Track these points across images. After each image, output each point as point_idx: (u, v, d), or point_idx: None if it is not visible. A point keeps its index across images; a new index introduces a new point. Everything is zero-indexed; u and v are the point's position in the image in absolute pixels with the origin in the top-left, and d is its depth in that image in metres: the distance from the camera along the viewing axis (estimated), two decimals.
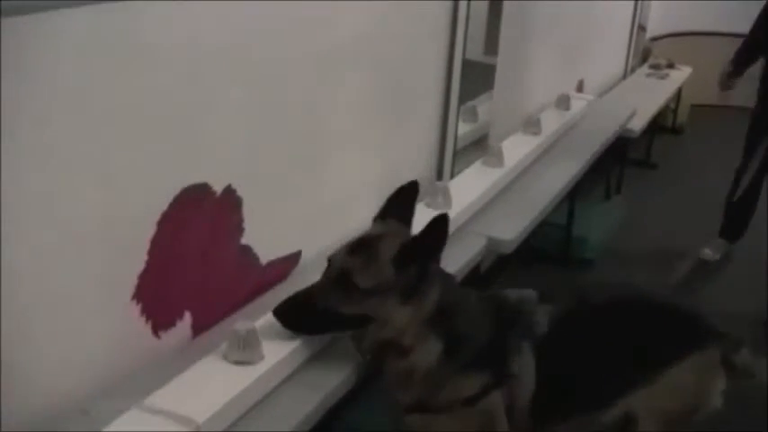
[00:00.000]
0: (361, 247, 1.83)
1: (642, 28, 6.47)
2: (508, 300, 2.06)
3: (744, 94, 4.64)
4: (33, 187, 1.46)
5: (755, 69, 4.36)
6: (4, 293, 1.43)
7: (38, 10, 1.38)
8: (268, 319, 1.87)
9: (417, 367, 1.84)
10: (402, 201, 2.01)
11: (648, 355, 2.04)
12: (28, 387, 1.54)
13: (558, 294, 2.15)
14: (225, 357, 1.72)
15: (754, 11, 4.56)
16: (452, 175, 3.10)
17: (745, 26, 7.17)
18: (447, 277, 1.95)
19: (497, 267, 3.64)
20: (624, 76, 6.21)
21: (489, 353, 1.90)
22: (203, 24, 1.78)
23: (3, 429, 1.48)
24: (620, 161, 5.29)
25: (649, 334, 2.06)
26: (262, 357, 1.72)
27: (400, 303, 1.79)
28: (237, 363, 1.70)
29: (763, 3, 4.42)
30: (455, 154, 3.11)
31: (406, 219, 1.98)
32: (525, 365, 1.92)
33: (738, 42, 4.69)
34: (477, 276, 2.91)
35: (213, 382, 1.65)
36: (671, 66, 6.46)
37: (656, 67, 6.41)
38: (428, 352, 1.84)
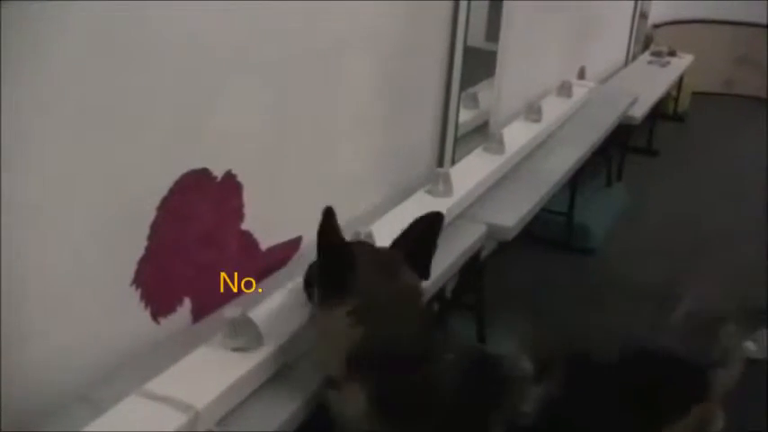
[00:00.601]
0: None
1: (644, 15, 6.45)
2: (494, 369, 1.64)
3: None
4: (32, 170, 1.45)
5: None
6: (3, 280, 1.42)
7: None
8: (268, 304, 1.87)
9: (343, 413, 1.61)
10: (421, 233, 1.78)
11: (651, 420, 1.66)
12: (27, 375, 1.53)
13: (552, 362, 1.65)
14: (224, 344, 1.71)
15: None
16: (453, 162, 3.09)
17: (745, 14, 7.18)
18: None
19: (498, 255, 3.63)
20: (626, 64, 6.19)
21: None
22: (206, 12, 1.77)
23: (2, 430, 1.48)
24: (621, 148, 5.28)
25: (652, 395, 1.66)
26: (261, 344, 1.72)
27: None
28: (236, 349, 1.69)
29: None
30: (456, 140, 3.10)
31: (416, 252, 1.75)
32: None
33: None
34: (477, 263, 2.91)
35: (212, 369, 1.65)
36: (672, 53, 6.44)
37: (657, 54, 6.39)
38: (350, 399, 1.58)
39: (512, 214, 2.74)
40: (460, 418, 1.53)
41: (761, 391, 2.99)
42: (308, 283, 1.77)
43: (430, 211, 1.80)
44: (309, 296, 1.75)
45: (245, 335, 1.70)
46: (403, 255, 1.72)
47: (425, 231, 1.77)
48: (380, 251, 1.78)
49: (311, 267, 1.76)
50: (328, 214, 1.63)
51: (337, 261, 1.62)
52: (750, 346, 3.51)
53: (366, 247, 1.82)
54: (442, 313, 2.87)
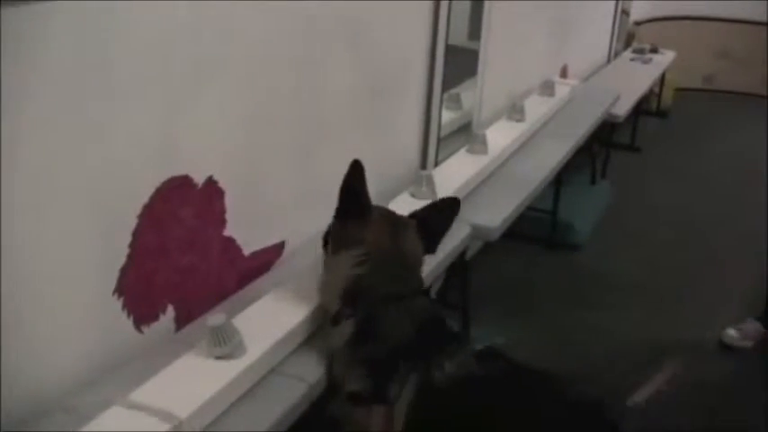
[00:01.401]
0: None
1: (625, 12, 6.47)
2: (445, 322, 1.83)
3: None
4: (9, 180, 1.44)
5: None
6: None
7: None
8: (251, 311, 1.86)
9: (331, 345, 1.80)
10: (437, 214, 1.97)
11: None
12: (8, 383, 1.52)
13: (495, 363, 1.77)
14: (207, 352, 1.70)
15: None
16: (437, 163, 3.08)
17: (726, 10, 7.22)
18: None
19: (483, 253, 3.63)
20: (608, 61, 6.21)
21: (386, 364, 1.70)
22: (182, 16, 1.76)
23: (2, 430, 1.47)
24: (605, 146, 5.30)
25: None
26: (244, 351, 1.71)
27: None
28: (219, 357, 1.68)
29: None
30: (439, 141, 3.09)
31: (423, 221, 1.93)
32: (403, 398, 1.67)
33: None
34: (463, 263, 2.91)
35: (196, 378, 1.63)
36: (654, 50, 6.46)
37: (639, 51, 6.41)
38: (340, 332, 1.77)
39: (496, 214, 2.75)
40: (410, 354, 1.70)
41: (742, 380, 3.02)
42: (326, 238, 1.93)
43: (451, 196, 2.06)
44: (324, 246, 1.92)
45: (228, 343, 1.69)
46: (416, 224, 1.91)
47: (443, 211, 1.97)
48: (395, 216, 1.95)
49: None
50: (356, 166, 1.86)
51: (354, 213, 1.87)
52: (732, 333, 3.56)
53: (383, 209, 1.97)
54: None
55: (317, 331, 1.89)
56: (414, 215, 1.95)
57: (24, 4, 1.39)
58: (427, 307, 1.85)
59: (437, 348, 1.71)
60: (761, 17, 7.30)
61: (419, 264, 1.90)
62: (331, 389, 1.80)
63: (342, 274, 1.82)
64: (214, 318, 1.71)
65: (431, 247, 1.94)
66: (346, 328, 1.77)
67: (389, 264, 1.84)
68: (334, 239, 1.89)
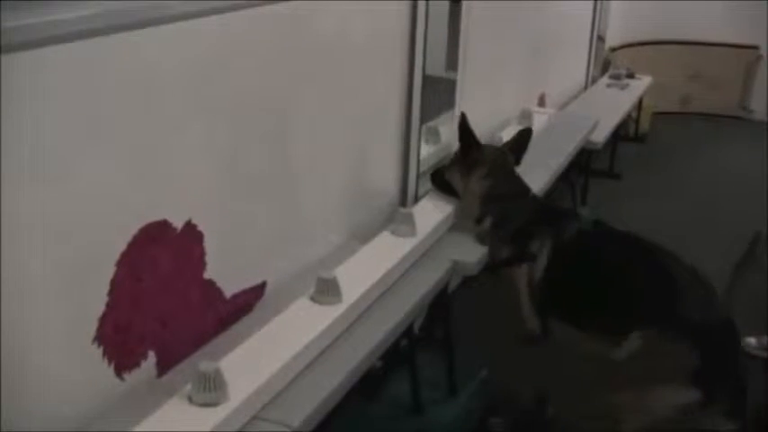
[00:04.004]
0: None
1: (601, 39, 6.52)
2: (554, 205, 2.98)
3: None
4: None
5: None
6: None
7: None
8: (233, 356, 1.86)
9: (480, 233, 2.78)
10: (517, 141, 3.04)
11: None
12: None
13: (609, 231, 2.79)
14: (190, 399, 1.69)
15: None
16: (417, 198, 3.08)
17: (701, 34, 7.28)
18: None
19: (465, 286, 3.63)
20: (585, 88, 6.25)
21: (521, 235, 2.67)
22: (161, 57, 1.77)
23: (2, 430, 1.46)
24: (584, 173, 5.32)
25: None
26: (227, 398, 1.70)
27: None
28: (203, 405, 1.67)
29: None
30: (419, 177, 3.09)
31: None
32: (543, 250, 2.60)
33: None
34: (444, 298, 2.91)
35: (178, 426, 1.63)
36: (631, 75, 6.50)
37: (616, 77, 6.45)
38: (485, 223, 2.77)
39: (476, 249, 2.75)
40: (538, 226, 2.69)
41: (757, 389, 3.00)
42: (433, 176, 3.05)
43: (525, 127, 3.15)
44: (441, 186, 3.00)
45: (215, 390, 1.68)
46: (507, 149, 3.01)
47: (522, 137, 3.05)
48: (495, 147, 3.08)
49: (436, 172, 3.06)
50: (464, 118, 2.90)
51: (470, 147, 2.88)
52: (751, 342, 3.58)
53: (487, 145, 3.06)
54: (411, 349, 2.86)
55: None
56: (506, 143, 3.07)
57: (25, 3, 1.40)
58: (537, 198, 2.93)
59: (557, 220, 2.69)
60: (733, 39, 7.41)
61: (514, 169, 2.91)
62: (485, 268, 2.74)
63: (476, 188, 2.82)
64: (205, 364, 1.71)
65: (518, 161, 2.96)
66: (487, 223, 2.77)
67: (504, 176, 2.85)
68: (461, 168, 2.88)
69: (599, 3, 6.11)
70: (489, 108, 4.05)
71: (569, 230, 2.63)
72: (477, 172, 2.82)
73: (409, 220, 2.62)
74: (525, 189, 2.86)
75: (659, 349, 2.34)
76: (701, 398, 2.27)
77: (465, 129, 2.87)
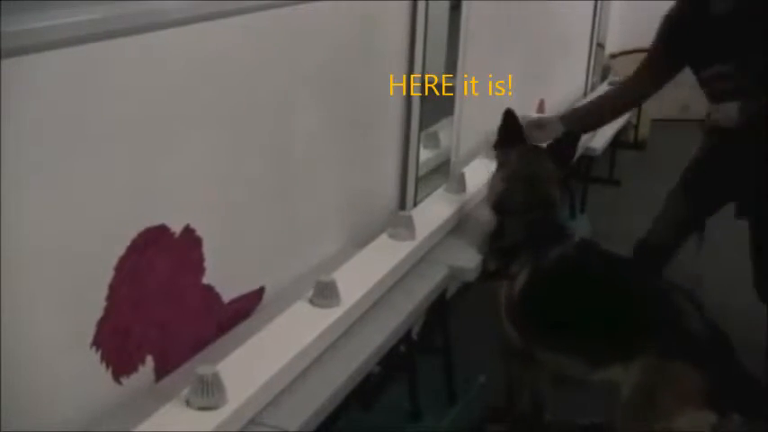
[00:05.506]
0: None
1: (601, 45, 6.52)
2: (554, 223, 2.69)
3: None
4: None
5: None
6: None
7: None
8: (231, 359, 1.86)
9: (484, 235, 2.81)
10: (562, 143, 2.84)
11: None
12: None
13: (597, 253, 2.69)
14: (188, 403, 1.70)
15: None
16: (415, 203, 3.09)
17: None
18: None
19: (464, 293, 3.63)
20: (585, 95, 6.25)
21: (508, 253, 2.62)
22: (160, 62, 1.77)
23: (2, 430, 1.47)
24: (583, 180, 5.32)
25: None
26: (225, 401, 1.70)
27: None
28: (201, 408, 1.68)
29: None
30: (417, 181, 3.10)
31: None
32: (522, 272, 2.55)
33: None
34: (443, 304, 2.91)
35: (176, 430, 1.63)
36: None
37: (615, 84, 6.45)
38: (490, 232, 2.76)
39: (474, 255, 2.75)
40: (527, 246, 2.62)
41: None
42: (495, 146, 2.91)
43: (570, 131, 2.96)
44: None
45: (213, 394, 1.68)
46: (546, 152, 2.81)
47: (567, 141, 2.84)
48: (531, 147, 2.89)
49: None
50: (509, 113, 2.85)
51: (506, 143, 2.84)
52: None
53: (528, 144, 2.91)
54: (410, 355, 2.86)
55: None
56: (548, 145, 2.84)
57: (24, 7, 1.40)
58: (545, 215, 2.67)
59: (546, 242, 2.58)
60: None
61: (549, 181, 2.71)
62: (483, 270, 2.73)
63: (494, 188, 2.77)
64: (204, 367, 1.71)
65: (563, 169, 2.79)
66: (491, 227, 2.75)
67: (521, 184, 2.69)
68: (498, 159, 2.85)
69: (599, 9, 6.12)
70: (489, 114, 4.04)
71: (551, 255, 2.55)
72: (499, 172, 2.79)
73: (408, 223, 2.62)
74: (537, 202, 2.67)
75: (664, 376, 2.27)
76: (717, 419, 2.19)
77: (510, 121, 2.83)
